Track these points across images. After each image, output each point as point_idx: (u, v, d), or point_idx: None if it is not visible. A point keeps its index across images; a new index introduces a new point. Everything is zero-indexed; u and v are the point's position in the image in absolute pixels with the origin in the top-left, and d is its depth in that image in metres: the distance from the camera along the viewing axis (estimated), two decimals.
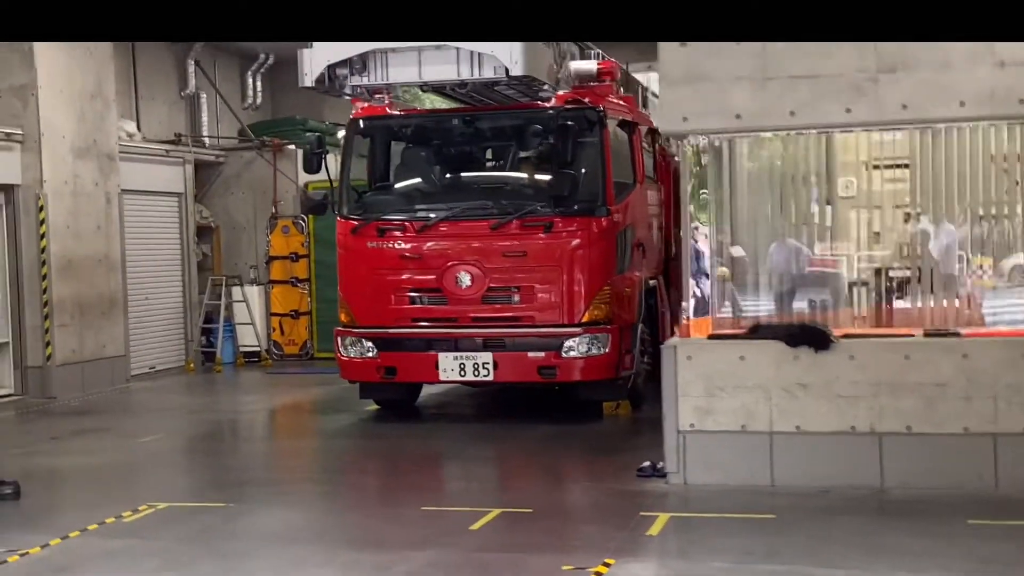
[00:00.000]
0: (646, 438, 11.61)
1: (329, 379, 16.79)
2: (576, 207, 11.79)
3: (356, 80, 11.11)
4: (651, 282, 13.15)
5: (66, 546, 7.78)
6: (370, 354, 12.35)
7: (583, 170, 11.78)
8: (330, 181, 12.80)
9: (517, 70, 10.52)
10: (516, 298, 11.98)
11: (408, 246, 12.18)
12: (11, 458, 10.91)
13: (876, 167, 9.75)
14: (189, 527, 8.22)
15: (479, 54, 10.67)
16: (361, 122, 12.65)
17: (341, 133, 13.03)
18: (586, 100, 12.05)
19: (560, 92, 11.93)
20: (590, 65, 12.46)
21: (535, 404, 13.62)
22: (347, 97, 11.80)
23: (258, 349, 19.31)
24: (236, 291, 19.15)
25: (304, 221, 19.59)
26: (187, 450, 12.06)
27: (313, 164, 12.76)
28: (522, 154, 12.26)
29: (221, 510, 8.71)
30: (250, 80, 22.00)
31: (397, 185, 12.74)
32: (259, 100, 22.17)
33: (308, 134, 13.33)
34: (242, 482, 10.03)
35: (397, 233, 12.24)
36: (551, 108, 11.93)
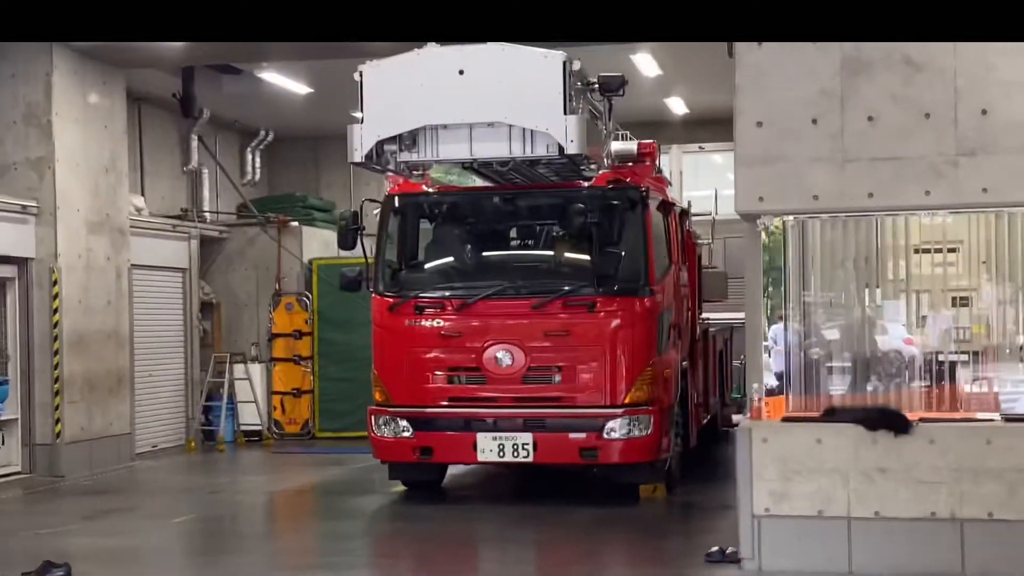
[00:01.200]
0: (696, 522, 11.52)
1: (339, 459, 16.56)
2: (619, 287, 11.70)
3: (405, 156, 11.02)
4: (683, 363, 13.05)
5: None
6: (405, 434, 12.09)
7: (626, 250, 11.72)
8: (365, 257, 12.62)
9: (572, 148, 10.46)
10: (557, 378, 11.82)
11: (447, 324, 12.01)
12: (43, 539, 10.58)
13: (926, 251, 9.82)
14: None
15: (532, 132, 10.62)
16: (399, 199, 12.51)
17: (375, 210, 12.83)
18: (627, 180, 12.03)
19: (601, 172, 11.90)
20: (631, 145, 12.47)
21: (565, 486, 13.39)
22: (391, 173, 11.68)
23: (260, 428, 18.96)
24: (239, 368, 18.83)
25: (308, 298, 19.38)
26: (229, 532, 11.67)
27: (348, 240, 12.59)
28: (563, 233, 12.18)
29: None
30: (249, 156, 21.89)
31: (435, 262, 12.59)
32: (258, 176, 22.05)
33: (342, 211, 13.15)
34: (302, 567, 9.74)
35: (435, 311, 12.07)
36: (595, 187, 11.89)
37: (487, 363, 11.86)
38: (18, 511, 12.62)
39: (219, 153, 20.89)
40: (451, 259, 12.63)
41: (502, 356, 11.81)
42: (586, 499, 12.43)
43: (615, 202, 11.66)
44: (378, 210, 12.65)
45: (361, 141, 10.81)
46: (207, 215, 19.88)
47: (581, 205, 11.87)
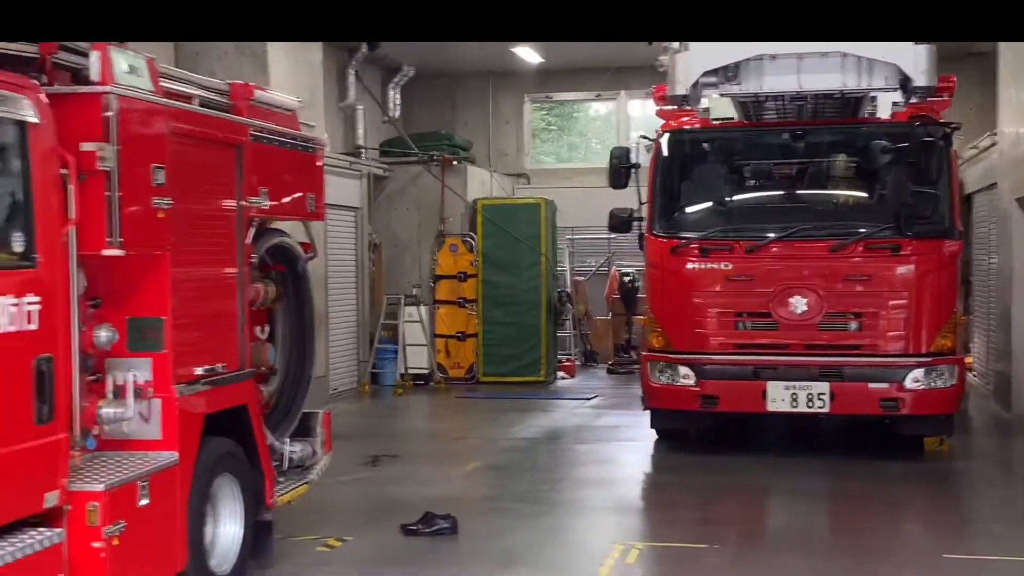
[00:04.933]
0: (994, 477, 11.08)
1: (532, 404, 16.09)
2: (927, 229, 11.12)
3: (726, 89, 10.38)
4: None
5: None
6: (687, 381, 11.53)
7: (933, 190, 11.13)
8: (638, 197, 12.01)
9: (922, 80, 9.85)
10: (855, 325, 11.27)
11: (735, 267, 11.42)
12: (347, 485, 10.11)
13: None
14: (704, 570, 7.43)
15: (870, 62, 9.98)
16: (677, 135, 11.86)
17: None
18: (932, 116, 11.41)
19: (900, 109, 11.28)
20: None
21: (816, 437, 12.90)
22: (692, 108, 11.06)
23: (427, 371, 18.42)
24: (410, 311, 18.25)
25: (473, 239, 18.76)
26: (546, 480, 11.08)
27: (621, 179, 11.99)
28: (860, 171, 11.55)
29: (712, 551, 7.95)
30: (391, 93, 21.13)
31: (718, 202, 11.95)
32: (397, 113, 21.31)
33: (613, 148, 12.48)
34: (690, 521, 9.31)
35: (723, 253, 11.46)
36: (899, 123, 11.28)
37: (780, 309, 11.30)
38: None
39: (364, 90, 20.15)
40: (735, 199, 12.00)
41: (797, 301, 11.24)
42: (862, 452, 11.94)
43: (925, 139, 11.03)
44: (650, 146, 12.02)
45: (687, 73, 10.18)
46: (362, 153, 19.16)
47: (884, 142, 11.24)
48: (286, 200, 7.73)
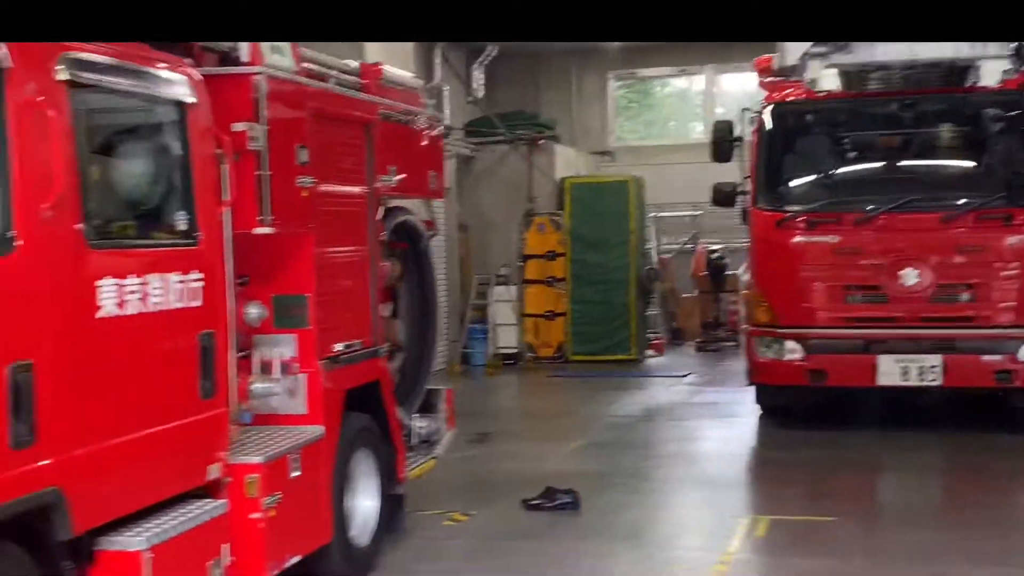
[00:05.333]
0: None
1: (632, 382, 16.11)
2: None
3: (837, 58, 10.28)
4: None
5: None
6: (794, 356, 11.45)
7: None
8: (741, 170, 11.95)
9: None
10: (967, 296, 11.11)
11: (844, 240, 11.30)
12: (459, 462, 10.18)
13: None
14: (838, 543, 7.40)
15: None
16: (782, 107, 11.76)
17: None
18: None
19: (1010, 76, 11.06)
20: None
21: (922, 411, 12.75)
22: (798, 79, 10.95)
23: (516, 351, 18.47)
24: (499, 291, 18.32)
25: (561, 218, 18.75)
26: (654, 456, 11.15)
27: (724, 153, 11.93)
28: (971, 141, 11.38)
29: (838, 524, 7.92)
30: (475, 73, 21.15)
31: (824, 174, 11.84)
32: (481, 93, 21.33)
33: (716, 121, 12.44)
34: (806, 495, 9.27)
35: (830, 225, 11.35)
36: (1011, 91, 11.07)
37: (890, 281, 11.17)
38: None
39: (449, 69, 20.19)
40: (842, 170, 11.89)
41: (908, 273, 11.11)
42: (971, 425, 11.79)
43: None
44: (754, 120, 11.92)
45: (797, 43, 10.08)
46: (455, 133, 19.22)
47: (995, 110, 11.07)
48: (411, 178, 7.79)
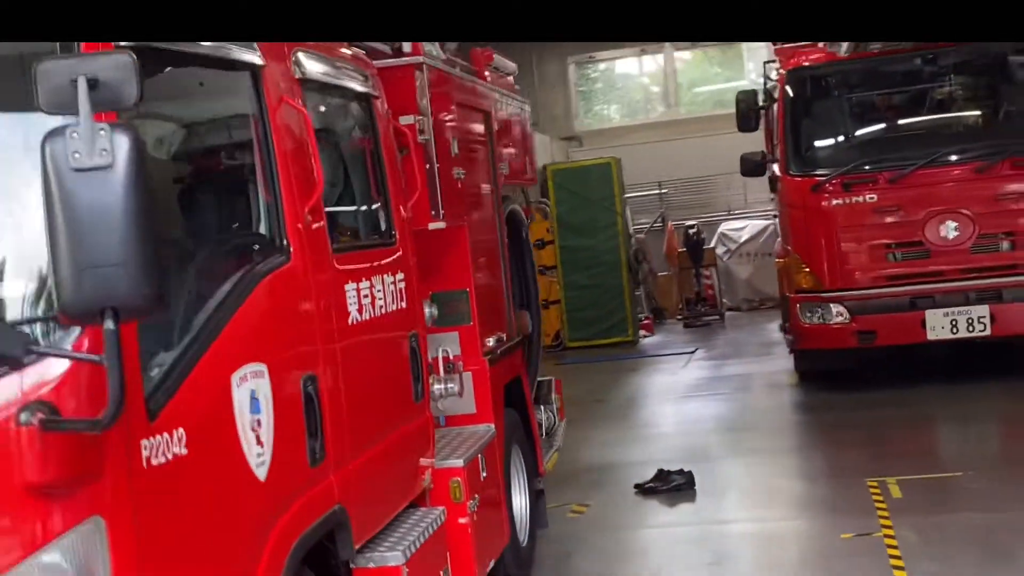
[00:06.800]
0: None
1: (644, 363, 16.10)
2: None
3: None
4: None
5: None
6: (840, 319, 11.50)
7: None
8: (765, 139, 11.97)
9: None
10: (1008, 244, 11.26)
11: (880, 199, 11.37)
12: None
13: None
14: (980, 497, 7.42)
15: None
16: (804, 71, 11.78)
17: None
18: None
19: None
20: None
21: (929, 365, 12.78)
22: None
23: None
24: None
25: (546, 206, 18.62)
26: (726, 430, 11.07)
27: (751, 122, 11.94)
28: (997, 90, 11.54)
29: (970, 478, 7.94)
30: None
31: (853, 134, 11.90)
32: None
33: (740, 91, 12.42)
34: (916, 452, 9.25)
35: (866, 185, 11.41)
36: None
37: (930, 236, 11.26)
38: None
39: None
40: (871, 129, 11.96)
41: (948, 227, 11.22)
42: (992, 375, 11.81)
43: None
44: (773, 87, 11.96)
45: None
46: None
47: (1019, 57, 11.21)
48: (516, 165, 7.63)
